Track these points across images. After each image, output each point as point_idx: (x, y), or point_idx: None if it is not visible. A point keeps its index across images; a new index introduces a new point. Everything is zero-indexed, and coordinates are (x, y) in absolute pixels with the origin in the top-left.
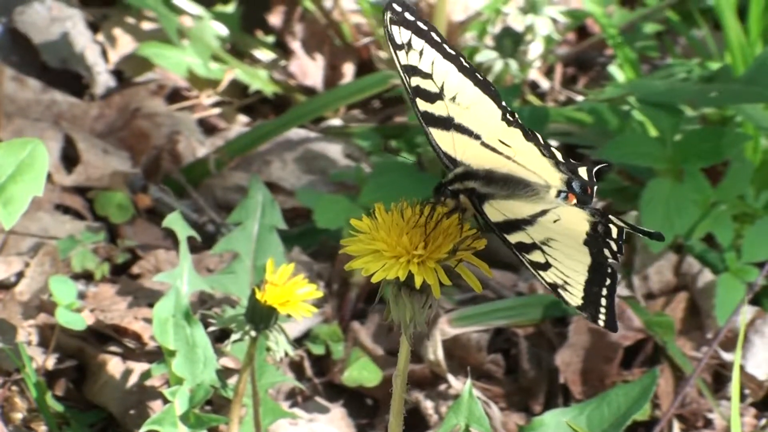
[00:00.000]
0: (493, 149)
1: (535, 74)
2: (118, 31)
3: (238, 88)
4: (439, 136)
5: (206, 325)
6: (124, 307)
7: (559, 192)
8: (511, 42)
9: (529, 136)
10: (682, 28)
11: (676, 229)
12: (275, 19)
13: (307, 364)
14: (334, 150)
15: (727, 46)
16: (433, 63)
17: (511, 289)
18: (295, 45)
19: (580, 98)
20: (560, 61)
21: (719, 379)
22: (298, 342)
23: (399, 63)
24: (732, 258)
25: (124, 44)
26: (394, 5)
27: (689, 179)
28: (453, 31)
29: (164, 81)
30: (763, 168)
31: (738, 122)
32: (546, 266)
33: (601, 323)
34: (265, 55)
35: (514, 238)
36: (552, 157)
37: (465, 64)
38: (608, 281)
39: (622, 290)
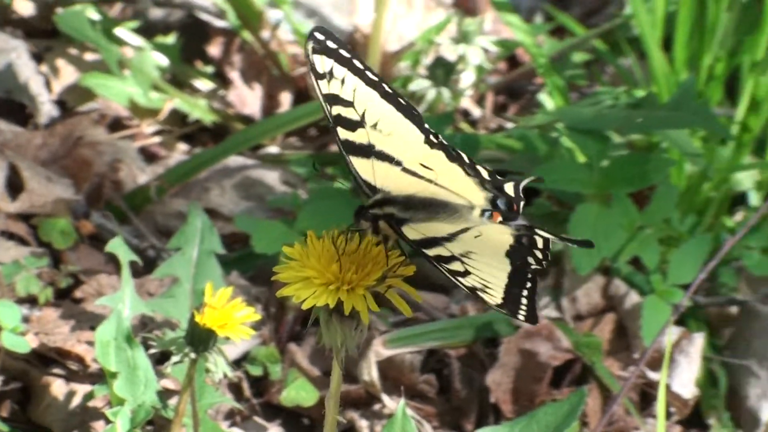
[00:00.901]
0: (414, 174)
1: (467, 102)
2: (61, 62)
3: (178, 117)
4: (359, 163)
5: (147, 348)
6: (68, 330)
7: (484, 211)
8: (443, 71)
9: (452, 156)
10: (609, 57)
11: (603, 252)
12: (214, 49)
13: (245, 385)
14: (272, 177)
15: (652, 74)
16: (354, 90)
17: (444, 311)
18: (234, 75)
19: (510, 125)
20: (491, 90)
21: (646, 397)
22: (236, 364)
23: (320, 92)
24: (658, 280)
25: (67, 75)
26: (316, 34)
27: (616, 204)
28: (387, 61)
29: (106, 110)
30: (689, 192)
31: (664, 148)
32: (465, 273)
33: (521, 317)
34: (204, 84)
35: (433, 252)
36: (477, 176)
37: (387, 90)
38: (529, 284)
39: (551, 312)
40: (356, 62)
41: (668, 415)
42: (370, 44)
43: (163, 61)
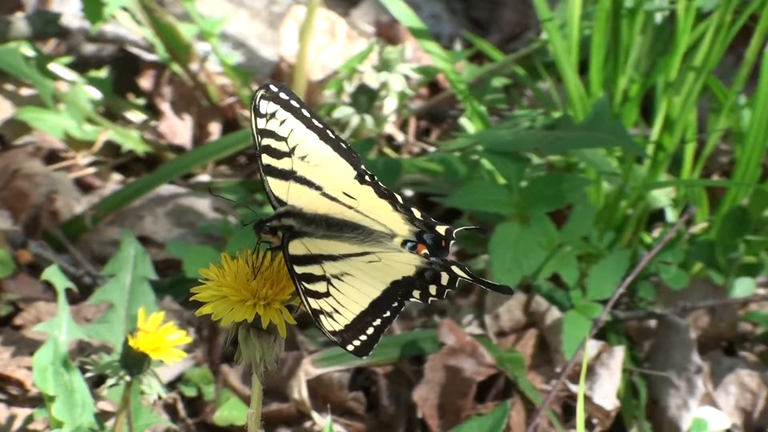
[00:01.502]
0: (333, 198)
1: (390, 128)
2: None
3: (112, 148)
4: (275, 183)
5: (84, 372)
6: (8, 356)
7: (407, 242)
8: (366, 98)
9: (382, 194)
10: (527, 81)
11: (524, 270)
12: (145, 82)
13: (180, 405)
14: (203, 204)
15: (568, 97)
16: (292, 130)
17: None
18: (165, 106)
19: (433, 149)
20: (414, 115)
21: (568, 410)
22: (171, 385)
23: (255, 126)
24: (578, 296)
25: (4, 109)
26: (271, 86)
27: (535, 223)
28: (312, 89)
29: (42, 143)
30: (606, 210)
31: (581, 168)
32: (323, 295)
33: (351, 348)
34: (136, 116)
35: (305, 269)
36: (406, 212)
37: (330, 135)
38: (387, 314)
39: (474, 329)
40: (304, 111)
41: (591, 426)
42: (295, 74)
43: (97, 94)
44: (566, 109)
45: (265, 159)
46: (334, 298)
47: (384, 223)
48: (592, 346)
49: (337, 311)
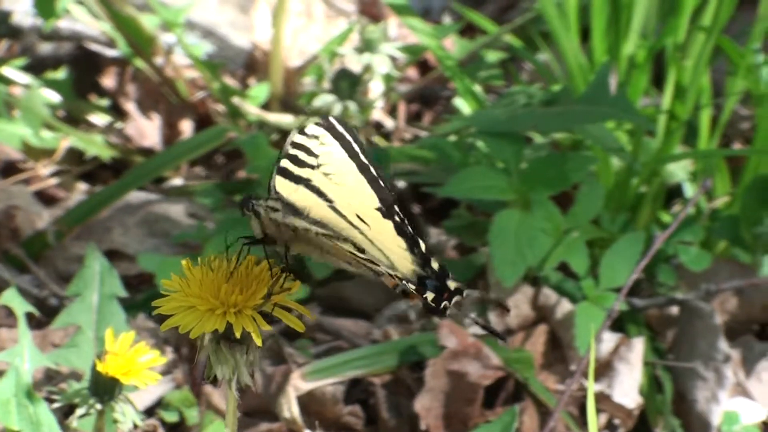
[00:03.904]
0: (342, 215)
1: (378, 114)
2: None
3: (74, 156)
4: (282, 182)
5: (51, 402)
6: None
7: (404, 280)
8: (347, 83)
9: (403, 233)
10: (525, 53)
11: (528, 261)
12: (108, 81)
13: None
14: (177, 210)
15: (567, 67)
16: (329, 152)
17: (366, 337)
18: (130, 106)
19: (426, 134)
20: (403, 99)
21: (586, 410)
22: (150, 411)
23: (291, 139)
24: (589, 285)
25: None
26: (331, 118)
27: (537, 208)
28: (290, 77)
29: None
30: (618, 189)
31: (588, 145)
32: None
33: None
34: (100, 119)
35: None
36: (420, 257)
37: (372, 170)
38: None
39: (478, 329)
40: (355, 146)
41: (613, 427)
42: (271, 61)
43: (55, 97)
44: (566, 81)
45: (284, 163)
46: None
47: (387, 255)
48: (609, 339)
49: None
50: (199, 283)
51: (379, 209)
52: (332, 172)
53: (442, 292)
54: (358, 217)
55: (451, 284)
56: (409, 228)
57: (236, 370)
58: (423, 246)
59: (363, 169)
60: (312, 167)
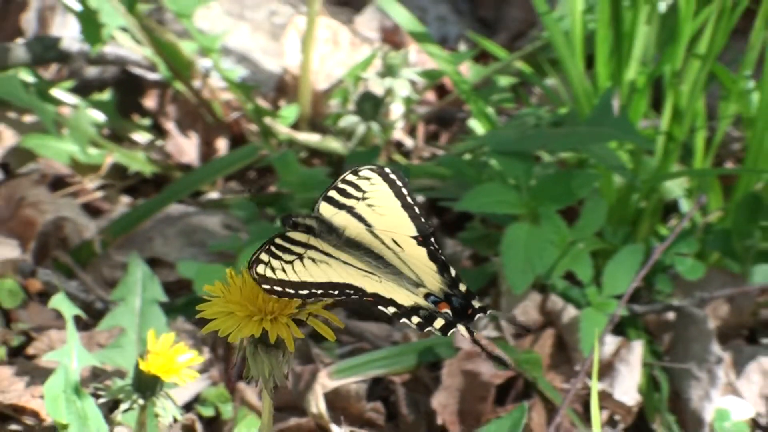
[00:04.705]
0: (377, 237)
1: (399, 134)
2: (1, 126)
3: (118, 171)
4: (326, 207)
5: (98, 398)
6: (22, 386)
7: (430, 295)
8: (371, 105)
9: (435, 259)
10: (534, 78)
11: (537, 269)
12: (149, 102)
13: (198, 426)
14: (213, 222)
15: (573, 93)
16: (377, 191)
17: (387, 339)
18: (170, 125)
19: (442, 153)
20: (422, 120)
21: (590, 408)
22: (188, 406)
23: (343, 176)
24: (593, 293)
25: (7, 138)
26: (386, 168)
27: (546, 222)
28: (318, 100)
29: (47, 170)
30: (619, 204)
31: (593, 163)
32: (279, 259)
33: (263, 282)
34: (142, 137)
35: (285, 244)
36: (452, 281)
37: (417, 211)
38: (333, 292)
39: (490, 332)
40: (404, 189)
41: (613, 423)
42: (299, 85)
43: (101, 117)
44: (572, 105)
45: (331, 193)
46: (291, 266)
47: (418, 275)
48: (611, 342)
49: (282, 270)
50: (239, 290)
51: (415, 237)
52: (376, 205)
53: (466, 307)
54: (394, 241)
55: (476, 303)
56: (442, 257)
57: (271, 372)
58: (452, 272)
59: (406, 207)
60: (357, 199)
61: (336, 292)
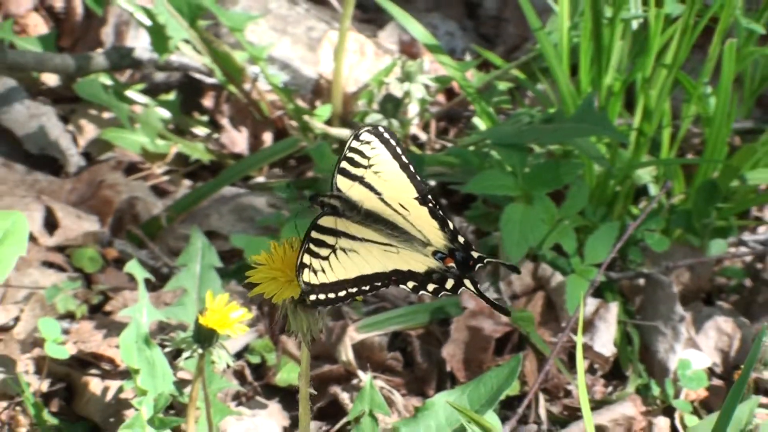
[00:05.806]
0: (388, 204)
1: (414, 129)
2: (83, 121)
3: (181, 159)
4: (342, 180)
5: (164, 347)
6: (101, 338)
7: (437, 252)
8: (392, 105)
9: (436, 216)
10: (528, 84)
11: (530, 242)
12: (207, 102)
13: (247, 371)
14: (260, 201)
15: (560, 96)
16: (378, 155)
17: (404, 300)
18: (224, 121)
19: (450, 145)
20: (434, 117)
21: (574, 358)
22: (239, 355)
23: (349, 143)
24: (577, 262)
25: (89, 131)
26: (380, 127)
27: (538, 203)
28: (347, 101)
29: (122, 158)
30: (598, 189)
31: (576, 154)
32: (319, 257)
33: (310, 294)
34: (201, 131)
35: (320, 236)
36: (450, 234)
37: (410, 168)
38: (365, 288)
39: (491, 294)
40: (398, 149)
41: (593, 370)
42: (332, 88)
43: (166, 114)
44: (559, 105)
45: (344, 164)
46: (328, 262)
47: (425, 234)
48: (591, 303)
49: (323, 271)
50: (281, 259)
51: (416, 198)
52: (380, 171)
53: (467, 260)
54: (401, 205)
55: (475, 254)
56: (440, 212)
57: (308, 327)
58: (451, 225)
59: (403, 167)
60: (364, 167)
61: (367, 288)
